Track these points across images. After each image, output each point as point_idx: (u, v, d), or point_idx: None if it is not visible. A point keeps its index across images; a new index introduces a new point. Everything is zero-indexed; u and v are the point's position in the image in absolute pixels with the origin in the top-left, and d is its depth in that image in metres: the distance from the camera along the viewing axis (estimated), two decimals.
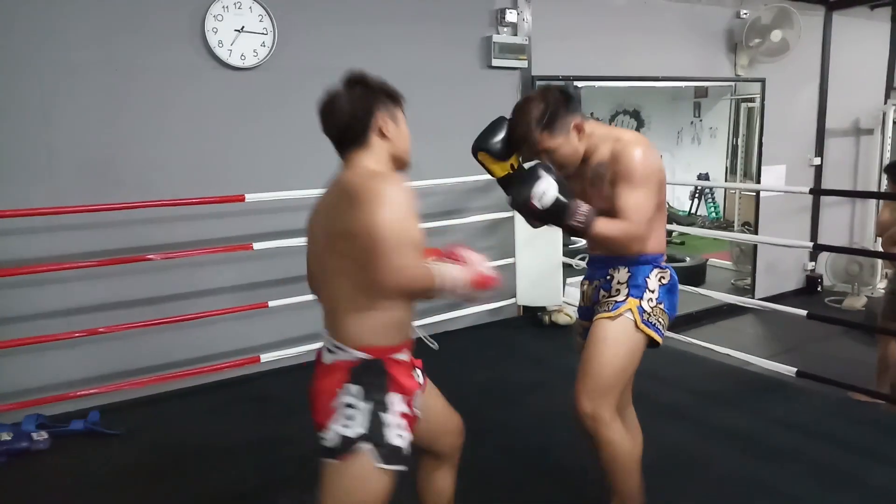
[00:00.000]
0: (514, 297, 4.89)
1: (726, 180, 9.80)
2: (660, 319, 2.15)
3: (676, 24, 5.72)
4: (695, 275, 7.44)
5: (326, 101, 1.79)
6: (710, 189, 10.41)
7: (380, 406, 1.70)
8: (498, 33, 4.74)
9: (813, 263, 7.15)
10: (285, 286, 3.99)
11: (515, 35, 4.81)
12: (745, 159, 9.03)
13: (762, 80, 6.34)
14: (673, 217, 10.31)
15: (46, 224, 3.45)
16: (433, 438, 2.04)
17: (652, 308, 2.13)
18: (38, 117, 3.45)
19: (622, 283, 2.18)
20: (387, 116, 1.80)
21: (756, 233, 6.65)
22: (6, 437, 3.16)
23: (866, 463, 2.95)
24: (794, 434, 3.21)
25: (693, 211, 10.76)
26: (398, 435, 1.71)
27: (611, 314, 2.12)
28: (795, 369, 3.61)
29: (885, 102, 7.14)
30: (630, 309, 2.11)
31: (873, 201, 7.21)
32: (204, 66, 3.80)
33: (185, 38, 3.74)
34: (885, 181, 6.85)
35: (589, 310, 2.30)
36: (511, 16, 4.72)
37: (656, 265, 2.19)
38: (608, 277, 2.23)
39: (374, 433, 1.68)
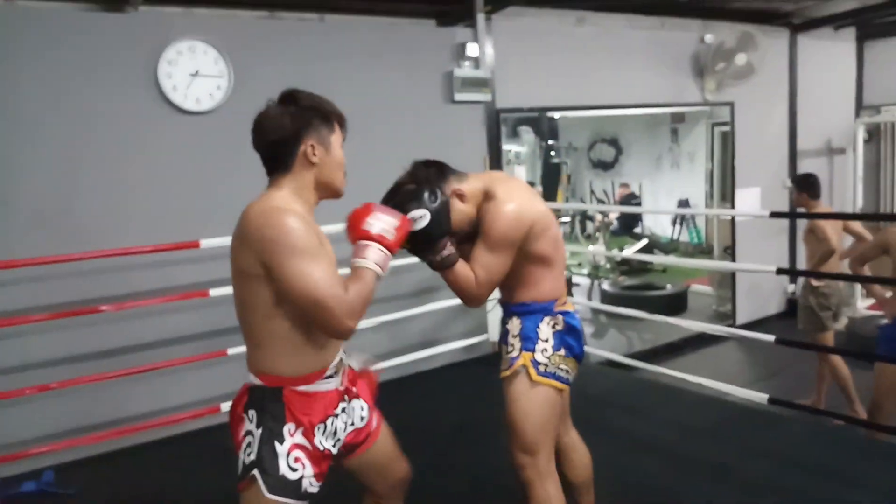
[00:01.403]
0: (487, 333, 4.81)
1: (706, 205, 9.80)
2: (560, 366, 2.13)
3: (641, 51, 5.74)
4: (676, 302, 7.41)
5: (258, 117, 1.76)
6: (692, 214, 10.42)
7: (272, 434, 1.68)
8: (460, 67, 4.73)
9: (794, 286, 7.10)
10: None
11: (478, 69, 4.79)
12: (722, 183, 9.05)
13: (731, 104, 6.35)
14: (655, 244, 10.29)
15: None
16: (371, 479, 2.01)
17: (548, 358, 2.12)
18: None
19: (515, 336, 2.16)
20: (315, 141, 1.73)
21: (734, 257, 6.61)
22: None
23: (841, 489, 2.87)
24: (770, 463, 3.13)
25: (675, 237, 10.74)
26: (290, 467, 1.67)
27: (507, 372, 2.14)
28: (767, 396, 3.53)
29: (855, 121, 7.16)
30: (524, 364, 2.11)
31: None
32: (159, 111, 3.76)
33: (140, 84, 3.69)
34: (858, 200, 6.90)
35: None
36: (472, 50, 4.71)
37: (547, 313, 2.15)
38: (505, 329, 2.21)
39: (264, 461, 1.66)
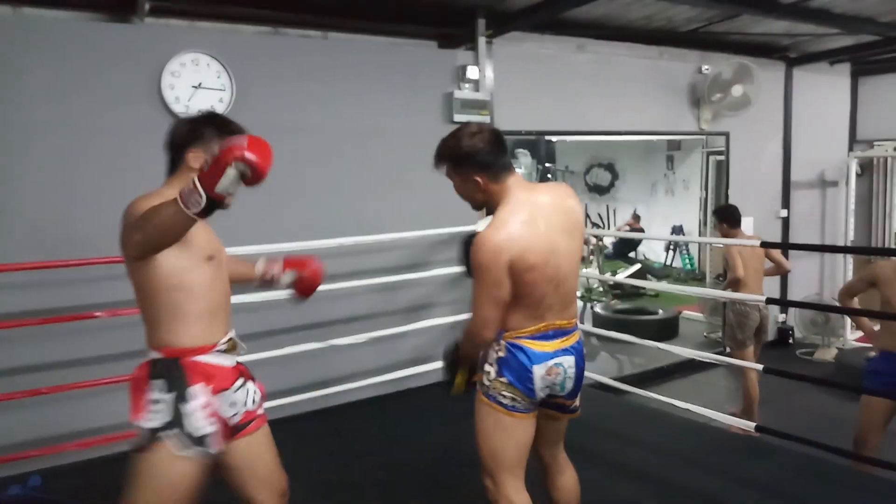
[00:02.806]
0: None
1: (700, 232, 9.87)
2: (503, 392, 2.16)
3: (639, 79, 5.82)
4: (667, 327, 7.44)
5: (172, 123, 2.03)
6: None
7: (181, 397, 1.85)
8: (460, 89, 4.79)
9: (784, 315, 7.15)
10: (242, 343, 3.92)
11: (478, 91, 4.85)
12: None
13: (726, 134, 6.43)
14: (648, 269, 10.34)
15: None
16: (250, 488, 2.07)
17: (490, 381, 2.18)
18: None
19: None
20: (201, 152, 1.92)
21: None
22: None
23: None
24: (755, 493, 3.15)
25: (668, 263, 10.80)
26: (201, 423, 1.86)
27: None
28: (754, 424, 3.56)
29: (849, 155, 7.26)
30: (477, 380, 2.25)
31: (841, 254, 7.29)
32: (161, 122, 3.73)
33: (143, 95, 3.74)
34: (850, 232, 6.97)
35: None
36: (472, 73, 4.78)
37: (495, 339, 2.19)
38: None
39: (177, 421, 1.84)
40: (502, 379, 2.15)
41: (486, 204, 2.22)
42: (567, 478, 2.44)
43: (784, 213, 6.96)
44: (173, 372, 1.87)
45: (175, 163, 1.97)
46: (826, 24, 5.29)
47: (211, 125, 1.95)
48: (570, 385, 2.21)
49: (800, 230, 7.08)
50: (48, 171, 3.55)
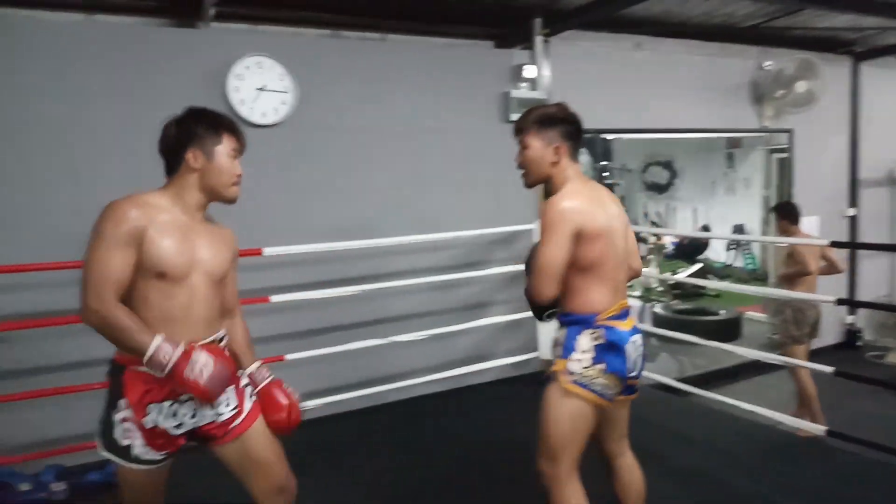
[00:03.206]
0: (537, 350, 4.83)
1: (762, 232, 9.63)
2: (596, 380, 2.15)
3: (698, 76, 5.74)
4: (730, 328, 7.28)
5: (162, 127, 1.99)
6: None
7: (111, 404, 1.92)
8: (516, 89, 4.81)
9: (853, 317, 6.93)
10: (301, 339, 4.02)
11: (534, 90, 4.86)
12: None
13: (790, 131, 6.28)
14: (709, 269, 10.14)
15: (53, 279, 3.52)
16: (244, 478, 2.10)
17: (584, 369, 2.15)
18: (64, 177, 3.59)
19: (559, 345, 2.24)
20: (199, 151, 1.94)
21: None
22: (25, 487, 3.20)
23: None
24: (820, 499, 3.07)
25: (730, 262, 10.57)
26: (121, 435, 1.90)
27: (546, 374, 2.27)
28: (825, 428, 3.46)
29: None
30: (558, 370, 2.19)
31: None
32: None
33: (208, 97, 3.83)
34: None
35: None
36: (529, 71, 4.79)
37: (586, 325, 2.18)
38: (555, 337, 2.29)
39: (104, 422, 1.93)
40: (600, 366, 2.15)
41: (547, 181, 2.28)
42: (634, 478, 2.44)
43: (851, 211, 6.75)
44: (115, 379, 1.93)
45: (173, 165, 1.97)
46: (893, 17, 5.12)
47: (201, 123, 1.97)
48: (640, 362, 2.27)
49: (868, 229, 6.85)
50: (119, 173, 3.67)
